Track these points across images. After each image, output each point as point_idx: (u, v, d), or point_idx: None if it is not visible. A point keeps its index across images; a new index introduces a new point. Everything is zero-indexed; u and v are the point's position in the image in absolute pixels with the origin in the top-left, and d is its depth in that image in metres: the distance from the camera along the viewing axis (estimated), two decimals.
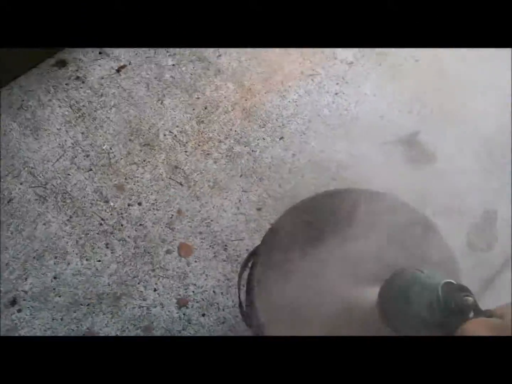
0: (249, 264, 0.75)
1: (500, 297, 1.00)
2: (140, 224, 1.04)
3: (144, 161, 1.12)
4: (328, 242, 0.92)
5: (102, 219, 1.04)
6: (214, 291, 0.97)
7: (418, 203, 1.08)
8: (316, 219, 0.80)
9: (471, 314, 0.41)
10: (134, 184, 1.09)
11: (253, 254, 0.73)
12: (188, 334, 0.92)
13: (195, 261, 1.00)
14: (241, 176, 1.12)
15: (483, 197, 1.12)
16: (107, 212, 1.05)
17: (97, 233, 1.02)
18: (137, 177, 1.10)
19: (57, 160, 1.11)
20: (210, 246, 1.02)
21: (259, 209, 1.07)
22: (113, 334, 0.91)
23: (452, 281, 0.45)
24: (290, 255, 0.85)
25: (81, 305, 0.94)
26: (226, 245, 1.02)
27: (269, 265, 0.87)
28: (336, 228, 0.87)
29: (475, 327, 0.37)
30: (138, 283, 0.97)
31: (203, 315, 0.95)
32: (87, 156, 1.12)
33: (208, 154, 1.14)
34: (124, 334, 0.91)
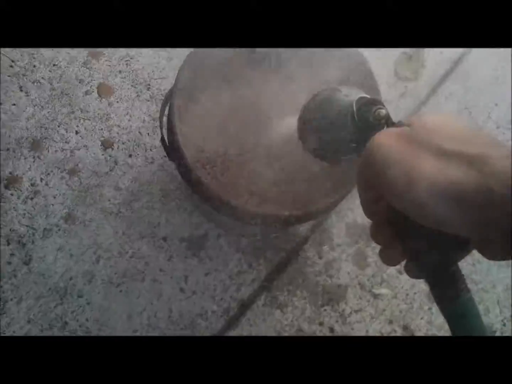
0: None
1: None
2: (54, 65, 0.97)
3: None
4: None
5: (13, 61, 0.96)
6: (139, 132, 0.95)
7: None
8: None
9: (385, 127, 0.41)
10: None
11: (174, 89, 0.69)
12: (116, 175, 0.92)
13: (117, 102, 0.96)
14: None
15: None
16: (17, 53, 0.97)
17: (8, 76, 0.95)
18: None
19: None
20: (131, 85, 0.98)
21: None
22: (37, 177, 0.90)
23: (366, 95, 0.44)
24: (214, 84, 0.82)
25: None
26: (149, 84, 0.98)
27: (191, 98, 0.84)
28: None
29: (382, 137, 0.36)
30: (58, 126, 0.93)
31: (130, 156, 0.94)
32: None
33: None
34: (49, 177, 0.90)
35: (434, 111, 0.35)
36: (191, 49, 0.70)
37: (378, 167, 0.34)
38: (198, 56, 0.71)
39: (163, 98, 0.95)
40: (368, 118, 0.41)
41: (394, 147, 0.34)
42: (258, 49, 0.73)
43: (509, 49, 1.12)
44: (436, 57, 1.11)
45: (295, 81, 0.84)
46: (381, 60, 1.07)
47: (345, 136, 0.44)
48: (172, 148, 0.69)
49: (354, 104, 0.43)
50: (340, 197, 0.66)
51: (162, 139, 0.71)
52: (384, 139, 0.35)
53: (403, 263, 0.41)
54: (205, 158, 0.83)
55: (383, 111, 0.41)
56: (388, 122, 0.41)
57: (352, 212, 0.96)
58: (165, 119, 0.72)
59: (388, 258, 0.40)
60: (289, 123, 0.57)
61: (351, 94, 0.46)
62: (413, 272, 0.40)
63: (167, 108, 0.73)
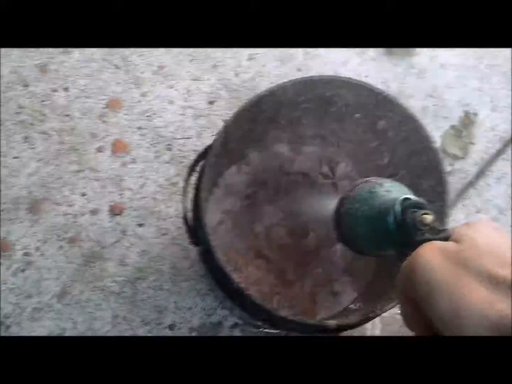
0: (197, 168, 0.63)
1: (469, 212, 0.91)
2: (66, 115, 0.83)
3: None
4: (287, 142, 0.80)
5: (20, 107, 0.83)
6: (154, 198, 0.81)
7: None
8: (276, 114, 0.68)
9: (430, 233, 0.37)
10: (59, 65, 0.86)
11: (203, 155, 0.62)
12: (122, 247, 0.77)
13: (133, 162, 0.83)
14: (191, 61, 0.91)
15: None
16: (27, 98, 0.83)
17: (14, 124, 0.81)
18: (64, 56, 0.87)
19: None
20: (151, 144, 0.84)
21: (210, 103, 0.88)
22: (32, 245, 0.75)
23: (411, 197, 0.41)
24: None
25: None
26: (170, 144, 0.85)
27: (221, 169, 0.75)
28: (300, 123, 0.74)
29: (427, 253, 0.32)
30: (63, 186, 0.80)
31: (141, 225, 0.80)
32: None
33: None
34: (47, 245, 0.76)
35: (483, 222, 0.27)
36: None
37: (421, 286, 0.32)
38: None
39: (184, 160, 0.82)
40: (413, 222, 0.38)
41: (439, 266, 0.31)
42: None
43: None
44: (488, 134, 0.97)
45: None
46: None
47: (384, 234, 0.42)
48: (196, 232, 0.60)
49: (398, 204, 0.40)
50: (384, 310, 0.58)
51: (185, 218, 0.61)
52: (429, 255, 0.32)
53: None
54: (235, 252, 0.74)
55: (429, 217, 0.37)
56: (432, 229, 0.37)
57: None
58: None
59: None
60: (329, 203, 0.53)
61: (393, 191, 0.44)
62: None
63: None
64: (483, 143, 0.97)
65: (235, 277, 0.55)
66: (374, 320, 0.82)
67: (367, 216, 0.44)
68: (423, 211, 0.38)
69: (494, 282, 0.29)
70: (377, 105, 0.65)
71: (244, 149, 0.77)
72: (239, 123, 0.62)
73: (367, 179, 0.48)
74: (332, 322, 0.56)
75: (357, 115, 0.69)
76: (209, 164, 0.59)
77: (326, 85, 0.65)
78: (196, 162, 0.63)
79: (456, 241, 0.33)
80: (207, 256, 0.58)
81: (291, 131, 0.76)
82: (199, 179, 0.62)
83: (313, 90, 0.66)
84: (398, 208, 0.40)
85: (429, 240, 0.36)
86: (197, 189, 0.61)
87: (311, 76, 0.64)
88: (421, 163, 0.65)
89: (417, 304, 0.33)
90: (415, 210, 0.39)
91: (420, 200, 0.40)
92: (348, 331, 0.58)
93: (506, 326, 0.27)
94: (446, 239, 0.36)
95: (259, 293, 0.75)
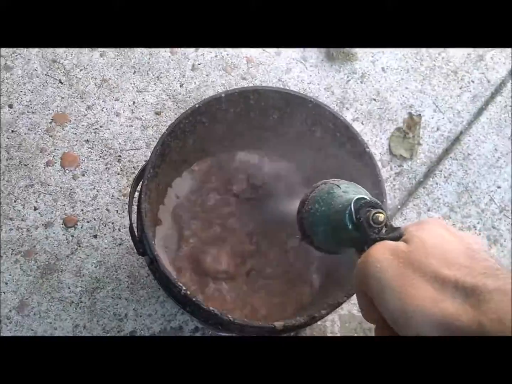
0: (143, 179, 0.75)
1: (420, 210, 1.13)
2: (13, 131, 1.03)
3: (13, 53, 1.09)
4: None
5: None
6: (107, 209, 1.01)
7: (339, 107, 1.16)
8: (213, 124, 0.84)
9: (384, 231, 0.47)
10: (2, 82, 1.07)
11: (147, 166, 0.75)
12: (78, 259, 0.97)
13: (83, 175, 1.03)
14: (134, 73, 1.13)
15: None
16: None
17: None
18: (6, 73, 1.08)
19: None
20: (100, 156, 1.05)
21: (157, 113, 1.10)
22: None
23: (365, 197, 0.50)
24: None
25: None
26: (119, 156, 1.05)
27: (167, 178, 0.91)
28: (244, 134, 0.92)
29: (378, 253, 0.41)
30: (15, 201, 0.99)
31: (95, 236, 0.99)
32: None
33: None
34: (1, 260, 0.94)
35: (434, 220, 0.41)
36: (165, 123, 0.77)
37: (373, 285, 0.40)
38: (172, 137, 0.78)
39: (134, 171, 1.02)
40: (367, 221, 0.47)
41: (389, 266, 0.39)
42: None
43: (509, 128, 1.26)
44: (433, 135, 1.23)
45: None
46: (374, 137, 1.18)
47: (342, 233, 0.51)
48: (141, 241, 0.72)
49: (352, 204, 0.49)
50: (332, 308, 0.71)
51: (131, 229, 0.74)
52: (379, 255, 0.40)
53: None
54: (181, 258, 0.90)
55: (381, 216, 0.46)
56: (388, 227, 0.47)
57: (347, 304, 1.02)
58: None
59: None
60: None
61: (349, 192, 0.54)
62: None
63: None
64: (429, 143, 1.22)
65: (181, 284, 0.66)
66: (333, 318, 1.04)
67: (326, 215, 0.54)
68: (376, 210, 0.47)
69: (440, 281, 0.36)
70: (310, 113, 0.83)
71: (189, 159, 0.94)
72: (177, 135, 0.78)
73: (326, 181, 0.58)
74: (279, 324, 0.66)
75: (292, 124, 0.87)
76: (149, 175, 0.72)
77: (257, 95, 0.81)
78: (140, 174, 0.76)
79: (406, 241, 0.41)
80: (154, 265, 0.70)
81: (231, 140, 0.93)
82: (141, 191, 0.72)
83: (246, 100, 0.82)
84: (352, 208, 0.48)
85: (383, 239, 0.45)
86: (139, 201, 0.72)
87: (242, 88, 0.81)
88: (359, 168, 0.81)
89: (371, 300, 0.41)
90: (369, 209, 0.47)
91: (373, 200, 0.49)
92: (309, 330, 0.75)
93: (450, 325, 0.33)
94: (398, 238, 0.44)
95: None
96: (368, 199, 0.49)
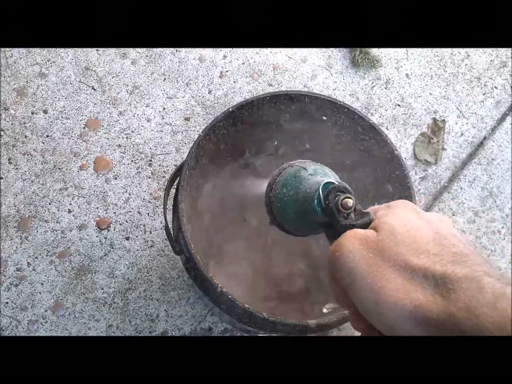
0: (176, 181, 0.79)
1: (445, 214, 1.15)
2: (47, 136, 1.07)
3: (48, 61, 1.13)
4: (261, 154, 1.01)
5: (2, 130, 1.06)
6: (139, 212, 1.04)
7: (364, 113, 1.19)
8: (249, 127, 0.87)
9: (353, 216, 0.45)
10: (37, 89, 1.11)
11: (180, 169, 0.77)
12: (111, 260, 1.00)
13: (115, 178, 1.06)
14: (164, 80, 1.17)
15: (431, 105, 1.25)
16: (8, 122, 1.07)
17: None
18: (40, 80, 1.12)
19: None
20: (131, 161, 1.08)
21: (187, 119, 1.14)
22: (24, 261, 0.97)
23: (333, 180, 0.49)
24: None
25: None
26: (150, 160, 1.09)
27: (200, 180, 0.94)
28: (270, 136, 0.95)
29: (349, 243, 0.40)
30: (49, 204, 1.02)
31: (127, 238, 1.02)
32: None
33: (124, 53, 1.17)
34: (37, 261, 0.97)
35: (403, 203, 0.41)
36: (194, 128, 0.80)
37: (344, 275, 0.39)
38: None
39: (165, 175, 1.05)
40: (336, 206, 0.46)
41: (360, 257, 0.39)
42: None
43: None
44: (457, 140, 1.25)
45: None
46: (399, 142, 1.21)
47: (311, 217, 0.50)
48: (178, 241, 0.75)
49: (320, 190, 0.48)
50: None
51: (167, 228, 0.77)
52: (350, 244, 0.40)
53: None
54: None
55: (350, 201, 0.45)
56: (357, 212, 0.46)
57: None
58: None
59: None
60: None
61: (317, 174, 0.53)
62: None
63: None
64: (453, 148, 1.25)
65: (217, 282, 0.67)
66: None
67: (294, 200, 0.54)
68: (345, 195, 0.46)
69: (410, 271, 0.36)
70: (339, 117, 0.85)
71: (221, 162, 0.99)
72: (211, 138, 0.81)
73: (292, 162, 0.58)
74: (312, 322, 0.68)
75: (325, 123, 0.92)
76: (184, 176, 0.74)
77: (288, 99, 0.84)
78: (174, 175, 0.80)
79: (376, 228, 0.41)
80: (190, 264, 0.72)
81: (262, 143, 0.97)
82: (177, 191, 0.75)
83: (278, 105, 0.85)
84: (321, 193, 0.48)
85: (352, 225, 0.44)
86: (175, 200, 0.75)
87: (274, 92, 0.83)
88: (386, 170, 0.83)
89: (344, 288, 0.41)
90: (338, 194, 0.46)
91: (342, 184, 0.48)
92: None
93: (422, 316, 0.34)
94: (368, 223, 0.43)
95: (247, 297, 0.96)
96: (337, 183, 0.48)
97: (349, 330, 1.02)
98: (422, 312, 0.34)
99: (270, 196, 0.59)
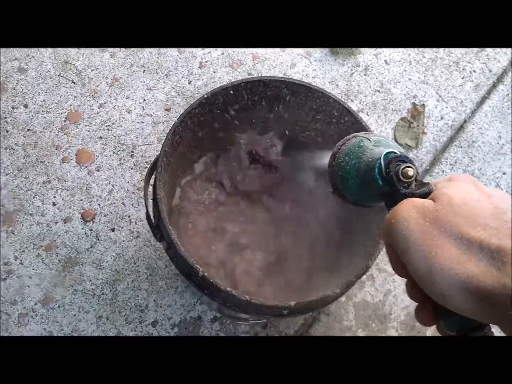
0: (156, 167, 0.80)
1: None
2: (29, 130, 1.08)
3: (27, 56, 1.14)
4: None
5: None
6: (123, 203, 1.05)
7: (344, 99, 1.21)
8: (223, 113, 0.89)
9: (413, 186, 0.46)
10: (17, 83, 1.11)
11: (160, 155, 0.79)
12: (97, 252, 1.01)
13: (98, 170, 1.07)
14: (144, 71, 1.18)
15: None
16: None
17: None
18: (20, 75, 1.12)
19: None
20: (113, 152, 1.09)
21: (167, 110, 1.15)
22: (11, 255, 0.97)
23: (395, 150, 0.50)
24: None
25: None
26: (132, 151, 1.10)
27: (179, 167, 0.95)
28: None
29: (406, 210, 0.41)
30: (34, 197, 1.03)
31: (113, 229, 1.03)
32: None
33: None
34: (24, 255, 0.98)
35: (464, 177, 0.41)
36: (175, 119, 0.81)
37: (399, 242, 0.40)
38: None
39: (147, 165, 1.07)
40: (396, 175, 0.46)
41: (416, 225, 0.39)
42: None
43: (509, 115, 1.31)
44: (437, 124, 1.27)
45: None
46: (379, 127, 1.23)
47: (372, 186, 0.51)
48: (158, 227, 0.77)
49: (382, 159, 0.49)
50: (342, 290, 0.74)
51: (148, 217, 0.78)
52: (406, 213, 0.40)
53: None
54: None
55: (411, 171, 0.46)
56: (417, 181, 0.46)
57: (361, 292, 1.06)
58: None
59: (421, 319, 0.45)
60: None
61: (380, 145, 0.53)
62: (444, 333, 0.45)
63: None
64: (433, 132, 1.27)
65: (198, 266, 0.69)
66: (347, 307, 1.08)
67: (356, 169, 0.54)
68: (406, 165, 0.46)
69: (466, 242, 0.36)
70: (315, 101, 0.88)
71: (199, 149, 0.98)
72: (187, 124, 0.83)
73: (356, 134, 0.58)
74: (294, 303, 0.69)
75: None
76: (162, 163, 0.77)
77: (262, 85, 0.86)
78: (154, 164, 0.81)
79: (434, 198, 0.41)
80: (172, 250, 0.73)
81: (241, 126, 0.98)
82: (155, 179, 0.77)
83: (256, 89, 0.87)
84: (382, 161, 0.48)
85: (412, 194, 0.45)
86: (154, 188, 0.76)
87: (248, 78, 0.85)
88: None
89: (398, 256, 0.41)
90: (398, 163, 0.47)
91: (403, 154, 0.48)
92: (325, 318, 0.79)
93: (474, 286, 0.35)
94: (427, 194, 0.43)
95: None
96: (398, 153, 0.49)
97: (337, 315, 1.03)
98: (476, 283, 0.34)
99: (333, 165, 0.59)
